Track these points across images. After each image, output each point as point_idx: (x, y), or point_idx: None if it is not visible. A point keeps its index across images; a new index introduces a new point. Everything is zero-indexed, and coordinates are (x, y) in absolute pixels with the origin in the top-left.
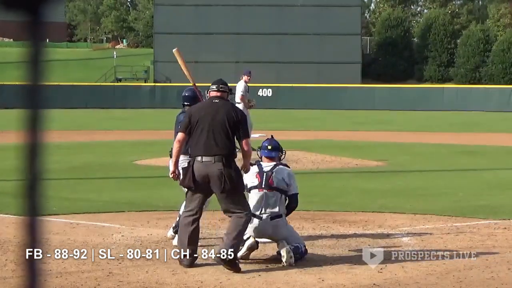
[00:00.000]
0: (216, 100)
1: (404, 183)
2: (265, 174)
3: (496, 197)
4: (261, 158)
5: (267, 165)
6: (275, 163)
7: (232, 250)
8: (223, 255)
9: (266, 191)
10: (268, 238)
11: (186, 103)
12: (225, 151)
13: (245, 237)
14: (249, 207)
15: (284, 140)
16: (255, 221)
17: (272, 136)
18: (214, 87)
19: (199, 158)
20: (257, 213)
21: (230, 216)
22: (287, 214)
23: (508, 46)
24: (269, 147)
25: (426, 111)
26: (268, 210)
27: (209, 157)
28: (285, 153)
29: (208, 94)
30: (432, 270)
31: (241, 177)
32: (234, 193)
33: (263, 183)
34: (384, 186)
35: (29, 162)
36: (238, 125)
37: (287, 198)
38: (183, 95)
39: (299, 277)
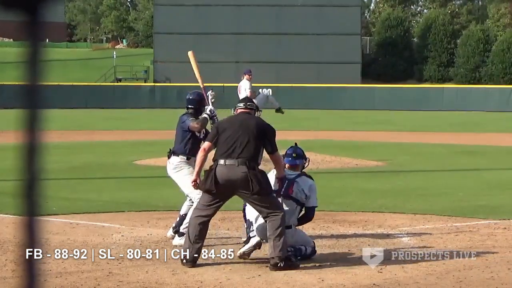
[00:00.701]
0: (245, 114)
1: (404, 183)
2: (287, 181)
3: (496, 197)
4: (285, 165)
5: (291, 173)
6: (298, 172)
7: (280, 253)
8: (276, 262)
9: (283, 198)
10: None
11: (190, 106)
12: (248, 155)
13: (251, 234)
14: (280, 206)
15: (284, 140)
16: (265, 225)
17: (296, 143)
18: (241, 104)
19: (222, 161)
20: None
21: (265, 220)
22: (298, 224)
23: (508, 46)
24: (294, 155)
25: (426, 111)
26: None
27: (232, 160)
28: (309, 160)
29: (235, 112)
30: (432, 270)
31: (267, 179)
32: (264, 195)
33: (283, 190)
34: (384, 186)
35: (28, 162)
36: (267, 135)
37: (302, 209)
38: (188, 98)
39: (299, 277)
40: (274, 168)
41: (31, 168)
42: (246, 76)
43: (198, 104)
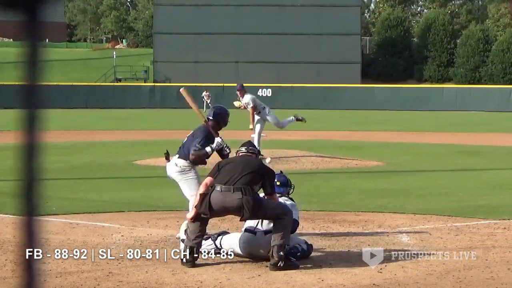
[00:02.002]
0: (246, 155)
1: (404, 183)
2: None
3: (495, 197)
4: None
5: None
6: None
7: (281, 254)
8: (276, 261)
9: None
10: (258, 255)
11: (209, 118)
12: (245, 183)
13: (227, 250)
14: (286, 207)
15: (284, 140)
16: (248, 236)
17: (281, 171)
18: (243, 149)
19: (218, 188)
20: (252, 227)
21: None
22: None
23: (507, 46)
24: (278, 183)
25: (426, 111)
26: (263, 225)
27: (228, 187)
28: (294, 187)
29: (237, 155)
30: (431, 270)
31: (261, 199)
32: (261, 212)
33: None
34: (384, 186)
35: (27, 162)
36: (267, 175)
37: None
38: (212, 112)
39: (299, 277)
40: None
41: (30, 168)
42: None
43: (217, 116)
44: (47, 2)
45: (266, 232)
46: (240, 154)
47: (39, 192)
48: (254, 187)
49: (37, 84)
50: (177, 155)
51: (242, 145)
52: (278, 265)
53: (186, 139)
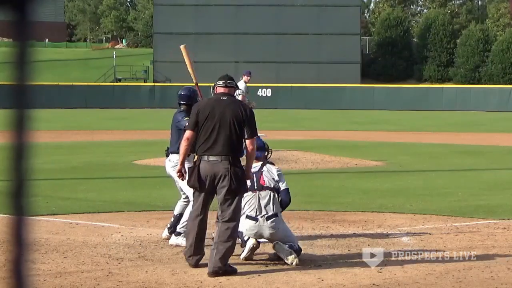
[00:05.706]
0: (224, 98)
1: (403, 183)
2: (254, 175)
3: (495, 197)
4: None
5: (254, 166)
6: (261, 162)
7: (219, 262)
8: (215, 270)
9: (258, 191)
10: (265, 239)
11: (182, 102)
12: (232, 151)
13: (245, 238)
14: (239, 217)
15: (284, 140)
16: (251, 223)
17: (257, 135)
18: (221, 82)
19: (205, 158)
20: (253, 215)
21: (217, 221)
22: (281, 211)
23: (507, 46)
24: None
25: (426, 111)
26: (263, 211)
27: (215, 157)
28: (271, 152)
29: (214, 90)
30: (431, 270)
31: (245, 179)
32: (235, 195)
33: (255, 184)
34: (384, 186)
35: (15, 163)
36: (246, 123)
37: (279, 195)
38: (179, 94)
39: (299, 277)
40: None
41: (19, 169)
42: (244, 78)
43: (190, 100)
44: (36, 0)
45: (268, 218)
46: (218, 89)
47: (28, 192)
48: (242, 148)
49: (26, 84)
50: (170, 152)
51: (220, 78)
52: (215, 271)
53: (170, 136)
